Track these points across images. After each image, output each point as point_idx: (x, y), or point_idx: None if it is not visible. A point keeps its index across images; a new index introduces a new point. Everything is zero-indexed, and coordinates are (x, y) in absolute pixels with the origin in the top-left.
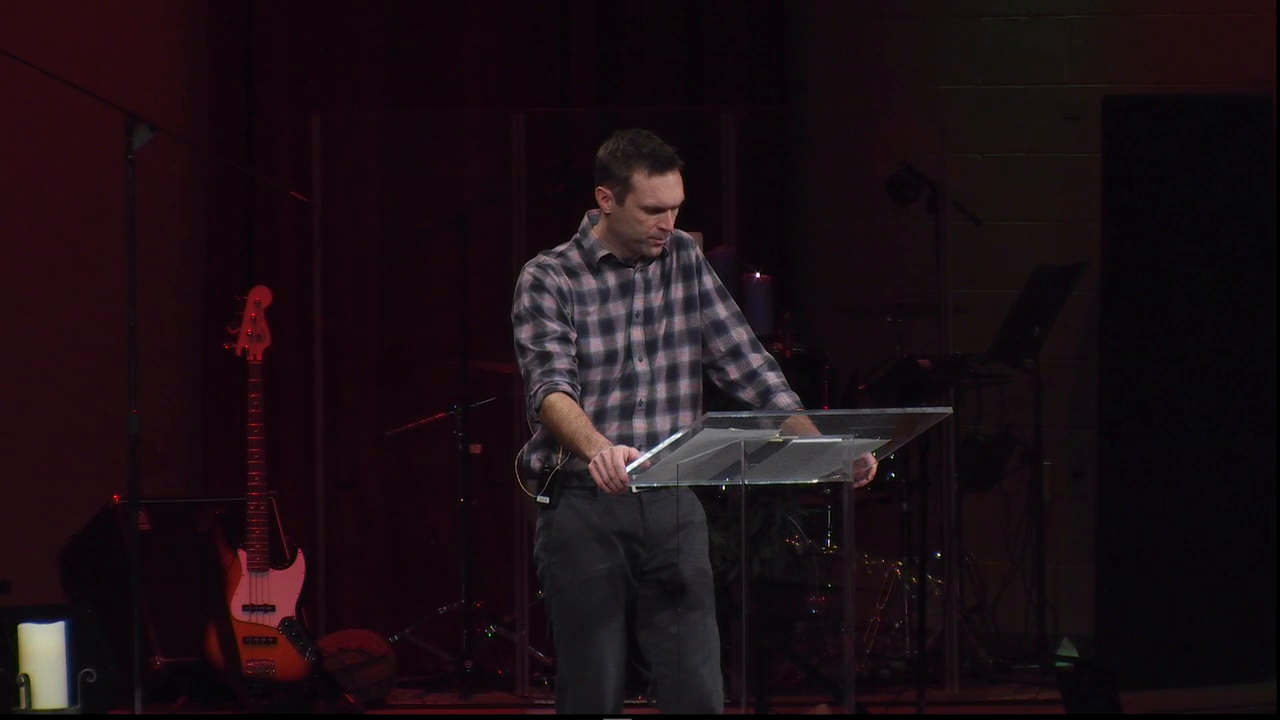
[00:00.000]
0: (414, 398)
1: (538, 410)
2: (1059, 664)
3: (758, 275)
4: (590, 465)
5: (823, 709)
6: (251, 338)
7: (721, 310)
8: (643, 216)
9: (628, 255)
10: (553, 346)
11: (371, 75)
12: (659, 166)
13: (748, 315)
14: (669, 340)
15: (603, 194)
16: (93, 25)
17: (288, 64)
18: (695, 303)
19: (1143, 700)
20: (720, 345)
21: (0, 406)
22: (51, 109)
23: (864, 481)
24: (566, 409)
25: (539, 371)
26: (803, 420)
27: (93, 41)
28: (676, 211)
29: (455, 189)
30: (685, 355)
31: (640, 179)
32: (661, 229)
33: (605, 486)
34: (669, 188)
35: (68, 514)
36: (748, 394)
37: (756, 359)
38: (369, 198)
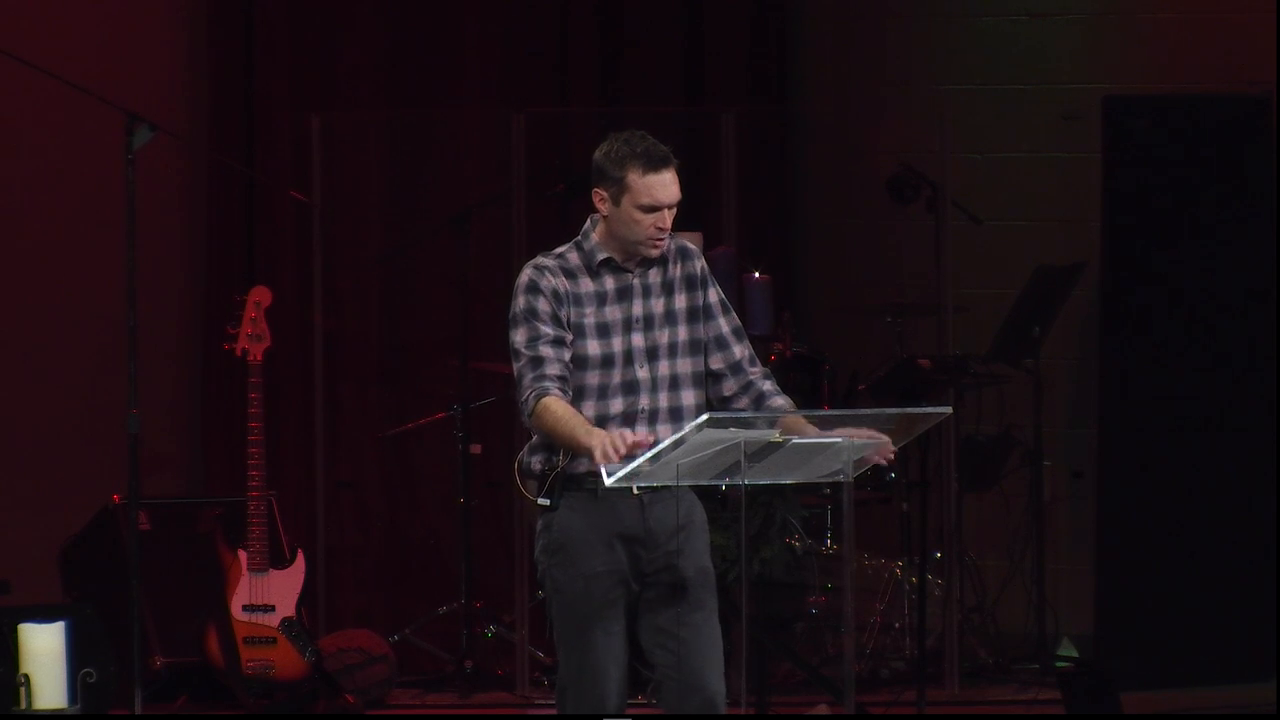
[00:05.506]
0: (414, 398)
1: (530, 416)
2: (1059, 664)
3: (758, 275)
4: (597, 450)
5: (823, 709)
6: (251, 338)
7: (724, 325)
8: (639, 216)
9: (626, 258)
10: (545, 350)
11: (371, 75)
12: (653, 165)
13: (748, 315)
14: (672, 350)
15: (599, 196)
16: (93, 25)
17: (288, 64)
18: (699, 314)
19: (1143, 700)
20: (720, 360)
21: (1, 406)
22: (51, 109)
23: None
24: (560, 410)
25: (530, 376)
26: (799, 420)
27: (93, 41)
28: (674, 211)
29: (455, 189)
30: (689, 366)
31: (635, 178)
32: (659, 229)
33: (617, 458)
34: (664, 186)
35: (68, 514)
36: (742, 403)
37: (754, 372)
38: (369, 198)
